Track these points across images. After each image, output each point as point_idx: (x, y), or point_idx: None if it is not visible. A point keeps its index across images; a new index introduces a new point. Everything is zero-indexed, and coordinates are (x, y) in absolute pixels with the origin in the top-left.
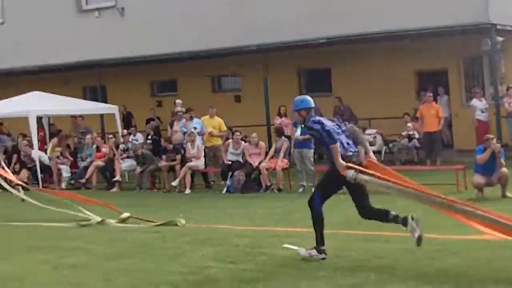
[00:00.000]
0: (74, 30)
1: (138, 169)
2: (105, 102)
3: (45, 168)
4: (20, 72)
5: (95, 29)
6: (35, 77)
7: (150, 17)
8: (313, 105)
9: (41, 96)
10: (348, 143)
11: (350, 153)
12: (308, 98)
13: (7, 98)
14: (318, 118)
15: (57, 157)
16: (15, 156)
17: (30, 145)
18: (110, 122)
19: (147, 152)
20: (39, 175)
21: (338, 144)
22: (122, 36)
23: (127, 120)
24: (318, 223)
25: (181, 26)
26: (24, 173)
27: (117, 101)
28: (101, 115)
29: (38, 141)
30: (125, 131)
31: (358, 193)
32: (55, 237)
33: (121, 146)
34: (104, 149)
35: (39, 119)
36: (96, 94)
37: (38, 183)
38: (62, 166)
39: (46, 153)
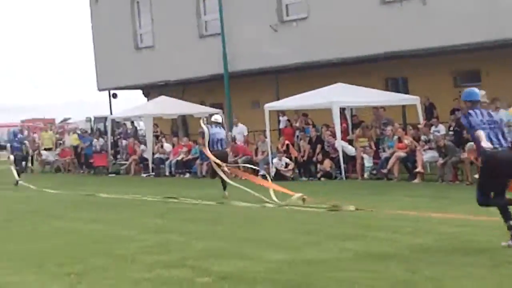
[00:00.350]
0: (377, 21)
1: (440, 161)
2: (407, 93)
3: (348, 159)
4: (323, 64)
5: (397, 19)
6: (337, 69)
7: (452, 4)
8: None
9: (344, 87)
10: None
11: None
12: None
13: (312, 90)
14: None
15: (362, 147)
16: (318, 147)
17: (333, 136)
18: (412, 113)
19: (449, 143)
20: (342, 165)
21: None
22: (423, 26)
23: (429, 111)
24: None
25: (477, 14)
26: (327, 162)
27: (419, 92)
28: (403, 106)
29: (341, 132)
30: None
31: None
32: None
33: (423, 137)
34: (406, 141)
35: (342, 110)
36: (397, 85)
37: (340, 173)
38: (365, 156)
39: (349, 143)
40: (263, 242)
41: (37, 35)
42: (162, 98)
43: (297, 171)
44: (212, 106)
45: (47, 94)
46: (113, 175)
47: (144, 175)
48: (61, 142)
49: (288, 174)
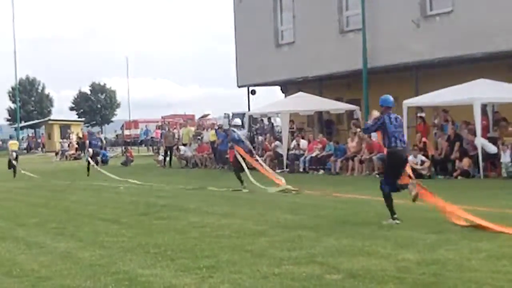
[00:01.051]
0: None
1: None
2: None
3: (488, 157)
4: (465, 60)
5: None
6: (479, 64)
7: None
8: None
9: (487, 83)
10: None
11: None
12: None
13: (452, 86)
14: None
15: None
16: (457, 144)
17: (473, 133)
18: None
19: None
20: (481, 163)
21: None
22: None
23: None
24: None
25: None
26: (466, 161)
27: None
28: None
29: (482, 129)
30: None
31: None
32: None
33: None
34: None
35: (483, 107)
36: None
37: (479, 171)
38: (502, 153)
39: (489, 141)
40: (391, 240)
41: (179, 32)
42: (300, 94)
43: (433, 169)
44: (349, 102)
45: (189, 90)
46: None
47: (278, 170)
48: (200, 138)
49: (424, 172)
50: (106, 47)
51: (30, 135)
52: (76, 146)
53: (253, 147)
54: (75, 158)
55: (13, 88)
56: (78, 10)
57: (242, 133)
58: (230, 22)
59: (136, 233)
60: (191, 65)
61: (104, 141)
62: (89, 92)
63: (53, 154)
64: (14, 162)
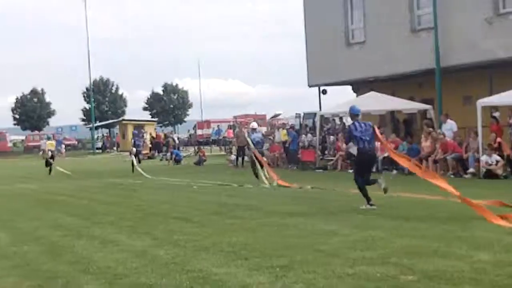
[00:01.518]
0: None
1: None
2: None
3: None
4: None
5: None
6: None
7: None
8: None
9: None
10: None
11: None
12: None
13: None
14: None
15: None
16: None
17: None
18: None
19: None
20: None
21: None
22: None
23: None
24: None
25: None
26: None
27: None
28: None
29: None
30: None
31: None
32: None
33: None
34: None
35: None
36: None
37: None
38: None
39: None
40: (467, 241)
41: (250, 32)
42: (372, 94)
43: (508, 169)
44: (422, 101)
45: (260, 90)
46: (320, 170)
47: (350, 171)
48: (271, 137)
49: (499, 171)
50: (178, 48)
51: (105, 134)
52: (150, 145)
53: (325, 147)
54: (149, 158)
55: (87, 89)
56: (150, 11)
57: (257, 136)
58: (301, 21)
59: (209, 232)
60: (262, 65)
61: (177, 141)
62: (161, 93)
63: (127, 153)
64: (50, 160)
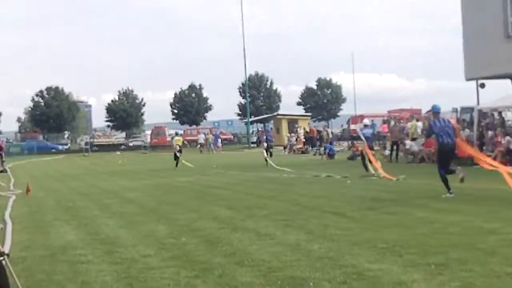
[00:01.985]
0: None
1: None
2: None
3: None
4: None
5: None
6: None
7: None
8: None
9: None
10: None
11: None
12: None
13: None
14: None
15: None
16: None
17: None
18: None
19: None
20: None
21: None
22: None
23: None
24: None
25: None
26: None
27: None
28: None
29: None
30: None
31: None
32: None
33: None
34: None
35: None
36: None
37: None
38: None
39: None
40: None
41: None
42: None
43: None
44: None
45: (416, 84)
46: (477, 166)
47: (511, 167)
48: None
49: None
50: (331, 42)
51: (260, 129)
52: (304, 140)
53: (483, 143)
54: (302, 152)
55: (243, 84)
56: (304, 6)
57: (369, 131)
58: (457, 14)
59: (363, 227)
60: (418, 59)
61: (331, 135)
62: (315, 87)
63: (281, 147)
64: (178, 154)
